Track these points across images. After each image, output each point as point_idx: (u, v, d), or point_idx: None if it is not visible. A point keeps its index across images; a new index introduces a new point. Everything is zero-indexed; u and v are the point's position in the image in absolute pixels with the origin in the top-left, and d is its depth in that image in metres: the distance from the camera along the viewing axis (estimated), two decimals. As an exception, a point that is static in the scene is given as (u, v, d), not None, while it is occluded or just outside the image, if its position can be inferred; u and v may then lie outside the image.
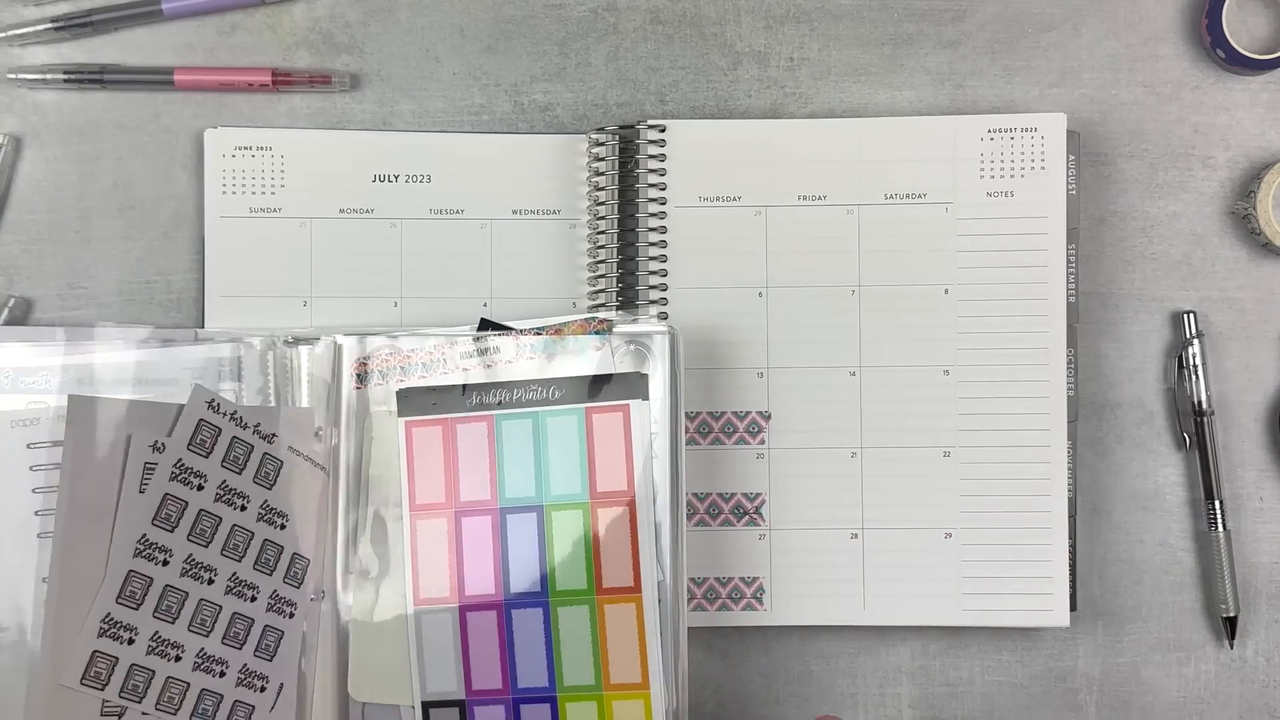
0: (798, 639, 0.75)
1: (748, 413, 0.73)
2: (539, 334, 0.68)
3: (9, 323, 0.73)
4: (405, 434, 0.64)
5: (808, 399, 0.73)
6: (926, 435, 0.73)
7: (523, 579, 0.62)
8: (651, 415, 0.67)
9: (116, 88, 0.75)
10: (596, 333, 0.69)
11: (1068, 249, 0.73)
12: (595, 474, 0.59)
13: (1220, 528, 0.74)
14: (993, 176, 0.73)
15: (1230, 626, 0.74)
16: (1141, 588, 0.75)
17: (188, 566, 0.63)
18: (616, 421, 0.58)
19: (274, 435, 0.65)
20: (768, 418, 0.73)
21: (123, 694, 0.61)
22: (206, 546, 0.63)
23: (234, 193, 0.74)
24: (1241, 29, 0.75)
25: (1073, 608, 0.73)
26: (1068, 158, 0.73)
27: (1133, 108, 0.75)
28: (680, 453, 0.69)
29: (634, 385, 0.58)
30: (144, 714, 0.62)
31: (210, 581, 0.64)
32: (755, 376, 0.73)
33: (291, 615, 0.66)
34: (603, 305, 0.73)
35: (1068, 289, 0.73)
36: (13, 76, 0.74)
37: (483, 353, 0.68)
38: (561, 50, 0.76)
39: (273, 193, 0.74)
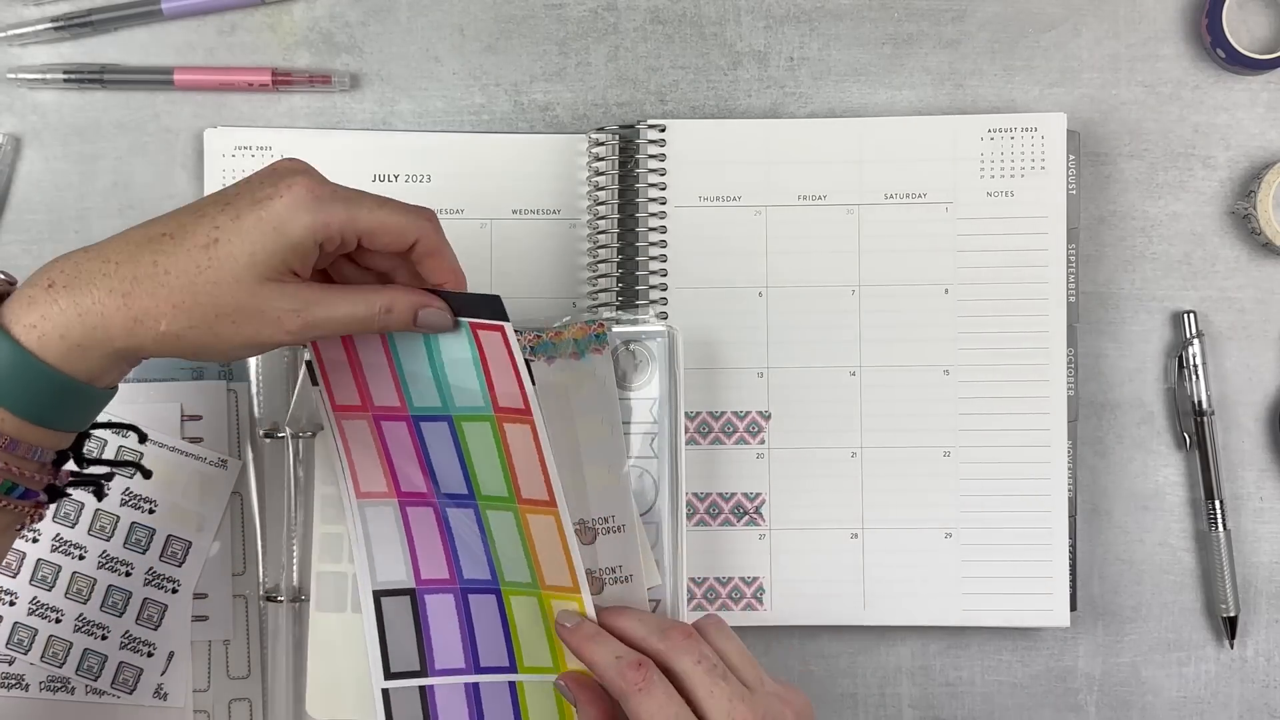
0: (798, 639, 0.75)
1: (748, 413, 0.73)
2: (539, 335, 0.68)
3: (9, 323, 0.74)
4: (313, 347, 0.65)
5: (808, 399, 0.73)
6: (926, 435, 0.73)
7: (449, 481, 0.63)
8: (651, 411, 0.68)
9: (116, 87, 0.75)
10: (597, 335, 0.69)
11: (1068, 249, 0.73)
12: (493, 388, 0.60)
13: (1220, 527, 0.74)
14: (993, 176, 0.73)
15: (1230, 626, 0.74)
16: (1141, 588, 0.75)
17: (56, 544, 0.70)
18: (498, 341, 0.59)
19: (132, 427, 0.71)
20: (768, 418, 0.73)
21: (9, 646, 0.70)
22: (73, 527, 0.70)
23: (234, 193, 0.74)
24: (1241, 29, 0.75)
25: (1073, 608, 0.73)
26: (1068, 157, 0.73)
27: (1133, 107, 0.75)
28: (680, 453, 0.69)
29: (495, 307, 0.59)
30: (30, 664, 0.70)
31: (80, 557, 0.71)
32: (755, 376, 0.73)
33: (175, 591, 0.71)
34: (603, 305, 0.73)
35: (1068, 289, 0.73)
36: (13, 76, 0.74)
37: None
38: (561, 50, 0.76)
39: (273, 193, 0.74)
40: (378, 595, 0.64)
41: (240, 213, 0.53)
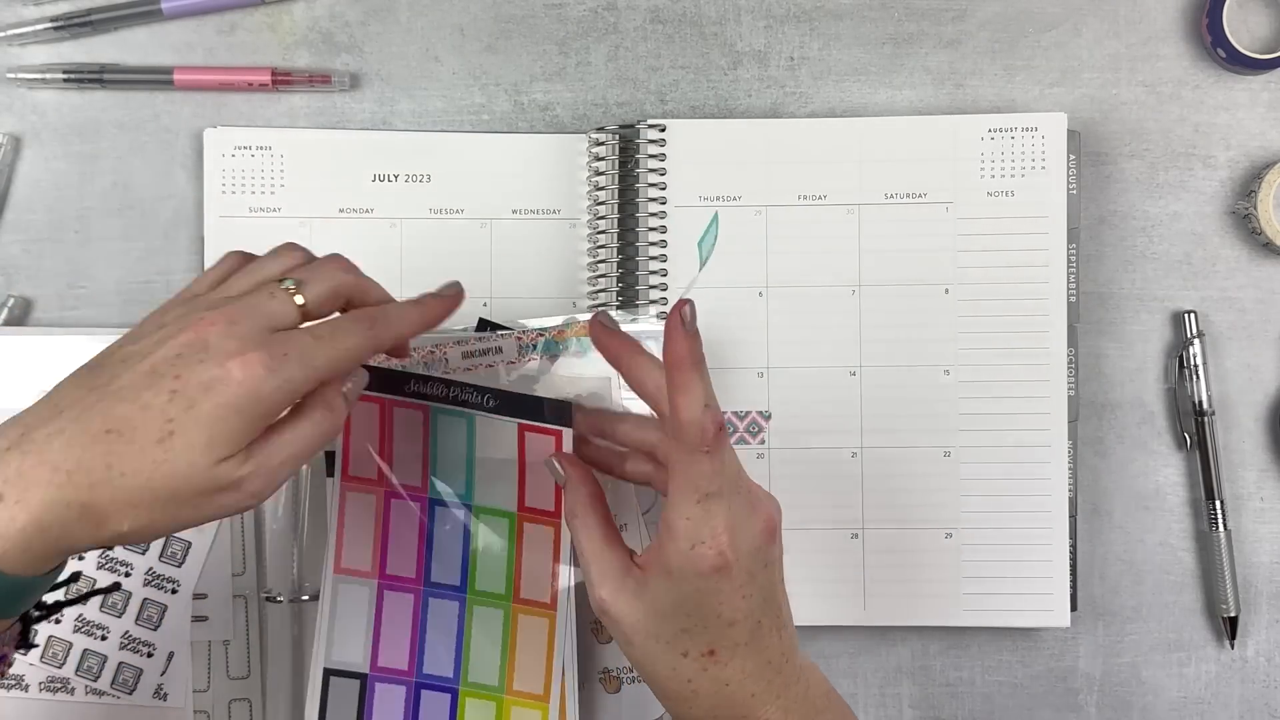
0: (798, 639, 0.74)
1: (748, 413, 0.73)
2: (541, 334, 0.68)
3: (8, 323, 0.73)
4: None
5: (808, 399, 0.73)
6: (926, 435, 0.73)
7: (444, 571, 0.63)
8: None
9: (116, 87, 0.75)
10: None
11: (1068, 249, 0.73)
12: (524, 489, 0.61)
13: (1221, 527, 0.74)
14: (993, 176, 0.73)
15: (1231, 626, 0.74)
16: (1142, 588, 0.75)
17: None
18: (549, 445, 0.60)
19: None
20: (768, 418, 0.73)
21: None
22: None
23: (234, 192, 0.74)
24: (1242, 28, 0.75)
25: (1073, 608, 0.73)
26: (1068, 157, 0.73)
27: (1133, 107, 0.75)
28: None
29: (562, 413, 0.60)
30: (30, 664, 0.70)
31: (80, 558, 0.70)
32: (755, 376, 0.73)
33: (175, 591, 0.71)
34: (603, 305, 0.73)
35: (1068, 289, 0.73)
36: (13, 76, 0.74)
37: (484, 353, 0.68)
38: (561, 50, 0.75)
39: (272, 192, 0.74)
40: (328, 673, 0.64)
41: (194, 401, 0.50)
